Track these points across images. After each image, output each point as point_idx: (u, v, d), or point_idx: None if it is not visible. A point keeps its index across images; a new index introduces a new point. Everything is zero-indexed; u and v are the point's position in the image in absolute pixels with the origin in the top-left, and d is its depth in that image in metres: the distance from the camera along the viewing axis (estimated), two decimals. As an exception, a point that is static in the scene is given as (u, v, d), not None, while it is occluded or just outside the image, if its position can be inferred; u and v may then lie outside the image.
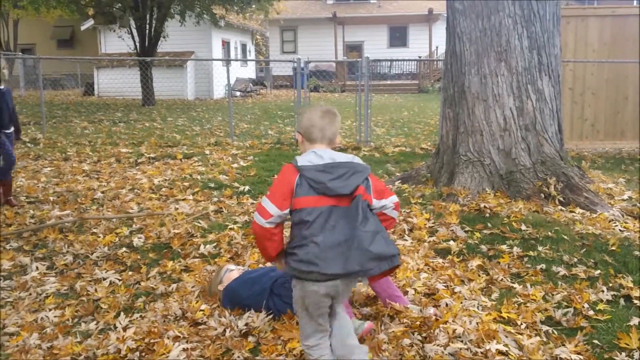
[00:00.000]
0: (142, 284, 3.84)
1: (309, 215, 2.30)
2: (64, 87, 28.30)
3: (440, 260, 4.08)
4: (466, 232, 4.58)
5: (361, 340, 2.90)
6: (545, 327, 3.10)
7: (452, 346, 2.83)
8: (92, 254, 4.41)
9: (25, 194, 6.20)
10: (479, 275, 3.80)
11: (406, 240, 4.49)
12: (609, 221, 4.78)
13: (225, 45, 26.44)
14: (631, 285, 3.58)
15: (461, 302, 3.32)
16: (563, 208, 5.06)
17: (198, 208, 5.55)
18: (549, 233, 4.43)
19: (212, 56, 23.83)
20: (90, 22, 24.35)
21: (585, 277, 3.76)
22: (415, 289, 3.53)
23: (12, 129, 5.61)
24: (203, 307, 3.38)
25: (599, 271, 3.84)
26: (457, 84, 5.62)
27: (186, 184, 6.61)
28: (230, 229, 4.83)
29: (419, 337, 2.94)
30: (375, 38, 30.14)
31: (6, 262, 4.24)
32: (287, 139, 10.48)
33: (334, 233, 2.29)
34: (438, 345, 2.85)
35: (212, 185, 6.58)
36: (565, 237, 4.36)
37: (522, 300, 3.42)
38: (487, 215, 4.82)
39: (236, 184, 6.58)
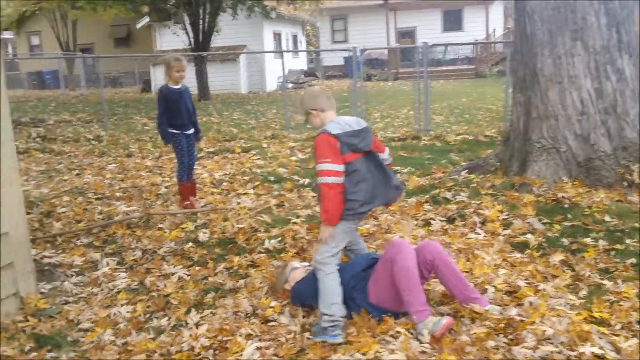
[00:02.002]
0: (210, 279, 3.80)
1: (355, 166, 3.02)
2: (122, 84, 29.08)
3: (519, 255, 3.85)
4: (544, 224, 4.31)
5: (440, 339, 2.75)
6: (643, 328, 2.86)
7: (542, 349, 2.63)
8: (159, 249, 4.41)
9: (92, 190, 6.31)
10: (564, 271, 3.55)
11: (479, 233, 4.27)
12: (701, 210, 4.42)
13: (277, 37, 26.45)
14: None
15: (547, 301, 3.10)
16: (649, 197, 4.72)
17: (260, 202, 5.49)
18: (636, 224, 4.11)
19: (264, 49, 23.85)
20: (145, 20, 24.87)
21: (682, 271, 3.47)
22: (495, 287, 3.32)
23: (192, 129, 5.41)
24: (273, 304, 3.32)
25: (696, 265, 3.53)
26: (528, 66, 5.31)
27: (246, 177, 6.57)
28: (294, 222, 4.73)
29: (504, 340, 2.75)
30: (428, 23, 29.42)
31: (78, 258, 4.29)
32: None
33: (374, 176, 3.08)
34: (526, 347, 2.65)
35: (272, 178, 6.52)
36: (655, 228, 4.05)
37: (614, 298, 3.16)
38: (566, 205, 4.53)
39: (296, 177, 6.49)
